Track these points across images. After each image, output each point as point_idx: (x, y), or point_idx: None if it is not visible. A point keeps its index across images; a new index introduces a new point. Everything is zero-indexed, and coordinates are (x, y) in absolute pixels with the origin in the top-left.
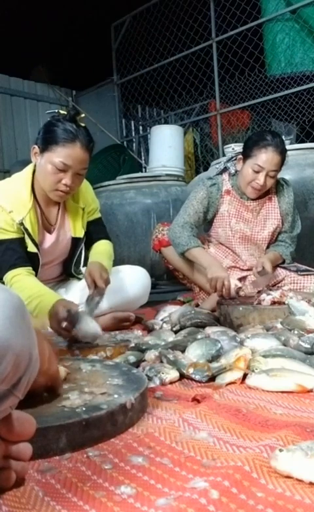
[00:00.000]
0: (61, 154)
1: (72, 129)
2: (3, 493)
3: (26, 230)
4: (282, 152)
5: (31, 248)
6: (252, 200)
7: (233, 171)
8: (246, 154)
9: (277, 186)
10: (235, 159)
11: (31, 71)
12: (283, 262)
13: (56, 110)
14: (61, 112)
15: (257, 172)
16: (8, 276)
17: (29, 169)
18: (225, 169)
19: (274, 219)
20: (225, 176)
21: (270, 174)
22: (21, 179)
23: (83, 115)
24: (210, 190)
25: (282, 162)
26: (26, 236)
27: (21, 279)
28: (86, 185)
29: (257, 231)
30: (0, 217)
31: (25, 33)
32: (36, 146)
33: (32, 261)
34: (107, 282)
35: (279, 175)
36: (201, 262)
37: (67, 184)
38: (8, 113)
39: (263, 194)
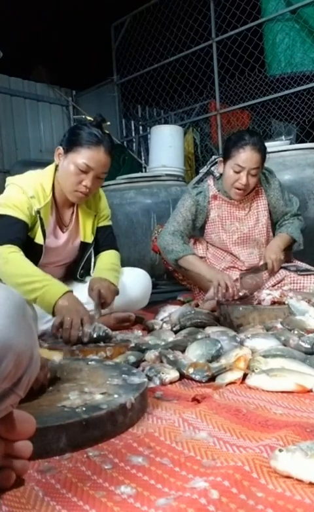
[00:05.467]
0: (85, 156)
1: (97, 133)
2: (3, 492)
3: (41, 219)
4: (261, 150)
5: (39, 239)
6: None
7: (217, 175)
8: (225, 156)
9: (261, 177)
10: (217, 162)
11: (31, 71)
12: (294, 241)
13: (83, 116)
14: (88, 118)
15: (238, 172)
16: (3, 251)
17: (50, 168)
18: (208, 174)
19: (265, 210)
20: (210, 181)
21: (251, 172)
22: (44, 175)
23: (109, 123)
24: (196, 199)
25: (262, 159)
26: (39, 226)
27: (19, 256)
28: (101, 193)
29: (252, 226)
30: (19, 197)
31: (25, 33)
32: (60, 148)
33: (34, 253)
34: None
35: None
36: (199, 269)
37: (87, 185)
38: (8, 113)
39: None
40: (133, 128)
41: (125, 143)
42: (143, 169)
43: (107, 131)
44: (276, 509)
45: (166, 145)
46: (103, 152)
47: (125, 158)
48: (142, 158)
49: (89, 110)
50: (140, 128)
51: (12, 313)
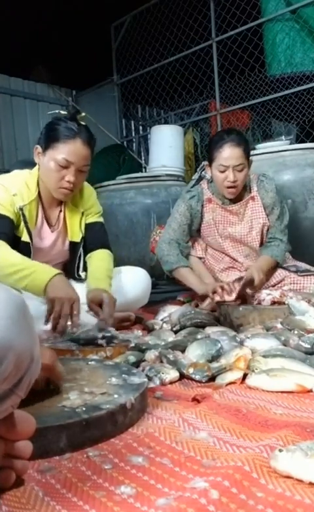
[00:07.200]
0: (63, 151)
1: (73, 127)
2: (3, 492)
3: (24, 217)
4: (241, 144)
5: (25, 237)
6: (234, 202)
7: (209, 177)
8: (209, 160)
9: (258, 183)
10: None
11: (31, 71)
12: (277, 264)
13: (57, 111)
14: (62, 112)
15: (223, 172)
16: None
17: (35, 168)
18: (201, 179)
19: (260, 217)
20: (204, 185)
21: (237, 168)
22: (29, 174)
23: (83, 114)
24: (189, 204)
25: (246, 154)
26: (22, 224)
27: (5, 249)
28: (89, 190)
29: (245, 233)
30: (2, 195)
31: (25, 33)
32: (38, 147)
33: (23, 252)
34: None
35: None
36: (189, 282)
37: (70, 181)
38: (8, 113)
39: (244, 194)
40: (133, 128)
41: (125, 143)
42: (143, 169)
43: (83, 123)
44: (276, 509)
45: (166, 145)
46: (80, 144)
47: (125, 158)
48: (142, 158)
49: (89, 110)
50: (140, 127)
51: (13, 314)
